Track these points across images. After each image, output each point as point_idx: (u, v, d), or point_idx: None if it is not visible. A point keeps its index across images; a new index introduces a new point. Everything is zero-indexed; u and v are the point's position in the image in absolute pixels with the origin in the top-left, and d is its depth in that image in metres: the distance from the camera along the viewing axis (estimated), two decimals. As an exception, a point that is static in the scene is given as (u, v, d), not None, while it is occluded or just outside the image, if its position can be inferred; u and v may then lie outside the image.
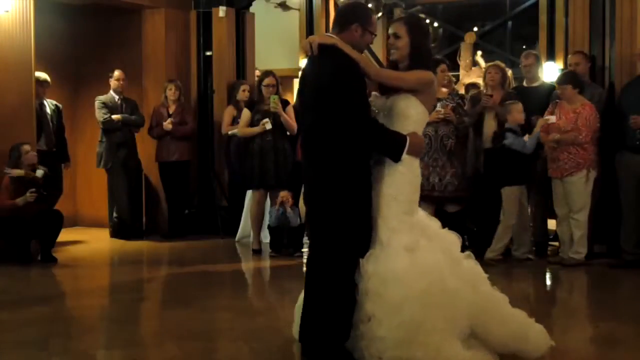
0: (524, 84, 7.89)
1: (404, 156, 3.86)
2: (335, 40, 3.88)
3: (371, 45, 4.60)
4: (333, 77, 3.83)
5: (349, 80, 3.81)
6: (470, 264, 4.04)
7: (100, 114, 8.63)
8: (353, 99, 3.79)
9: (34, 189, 7.23)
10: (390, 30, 4.05)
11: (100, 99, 8.71)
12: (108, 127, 8.66)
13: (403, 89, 3.94)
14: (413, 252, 3.80)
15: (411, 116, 3.93)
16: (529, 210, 7.54)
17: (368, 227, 3.89)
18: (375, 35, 4.03)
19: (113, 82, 8.79)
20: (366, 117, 3.87)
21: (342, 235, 3.85)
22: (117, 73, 8.79)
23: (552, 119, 6.88)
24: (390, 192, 3.86)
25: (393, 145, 3.86)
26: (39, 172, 7.40)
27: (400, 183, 3.87)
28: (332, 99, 3.81)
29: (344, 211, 3.83)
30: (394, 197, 3.85)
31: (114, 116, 8.63)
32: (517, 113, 6.97)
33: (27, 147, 7.39)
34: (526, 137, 6.92)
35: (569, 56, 7.55)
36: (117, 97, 8.79)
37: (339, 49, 3.84)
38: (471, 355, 3.78)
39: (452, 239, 4.05)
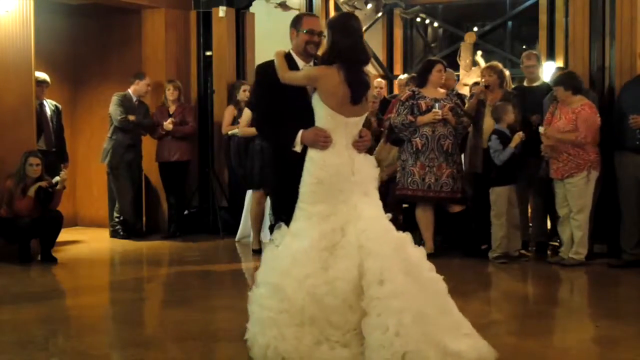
0: (525, 83, 7.89)
1: (301, 149, 4.09)
2: (277, 51, 4.33)
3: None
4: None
5: (257, 80, 4.48)
6: (372, 265, 3.88)
7: (117, 112, 8.59)
8: (256, 97, 4.60)
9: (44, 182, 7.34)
10: None
11: (119, 95, 8.69)
12: (123, 126, 8.64)
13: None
14: (295, 238, 4.00)
15: (316, 113, 4.13)
16: (528, 210, 7.58)
17: (282, 213, 4.21)
18: (309, 32, 4.26)
19: (143, 86, 8.74)
20: (264, 112, 4.29)
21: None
22: (148, 79, 8.76)
23: (541, 129, 6.88)
24: (300, 183, 4.12)
25: (283, 139, 4.18)
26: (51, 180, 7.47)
27: (303, 175, 4.11)
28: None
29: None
30: (300, 187, 4.11)
31: (130, 116, 8.63)
32: (511, 114, 6.99)
33: (34, 161, 7.33)
34: (515, 141, 6.90)
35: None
36: (134, 99, 8.79)
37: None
38: (297, 344, 3.80)
39: (377, 236, 3.97)
